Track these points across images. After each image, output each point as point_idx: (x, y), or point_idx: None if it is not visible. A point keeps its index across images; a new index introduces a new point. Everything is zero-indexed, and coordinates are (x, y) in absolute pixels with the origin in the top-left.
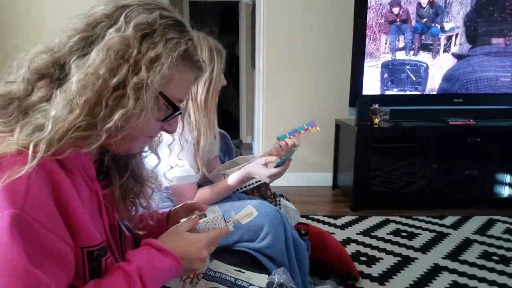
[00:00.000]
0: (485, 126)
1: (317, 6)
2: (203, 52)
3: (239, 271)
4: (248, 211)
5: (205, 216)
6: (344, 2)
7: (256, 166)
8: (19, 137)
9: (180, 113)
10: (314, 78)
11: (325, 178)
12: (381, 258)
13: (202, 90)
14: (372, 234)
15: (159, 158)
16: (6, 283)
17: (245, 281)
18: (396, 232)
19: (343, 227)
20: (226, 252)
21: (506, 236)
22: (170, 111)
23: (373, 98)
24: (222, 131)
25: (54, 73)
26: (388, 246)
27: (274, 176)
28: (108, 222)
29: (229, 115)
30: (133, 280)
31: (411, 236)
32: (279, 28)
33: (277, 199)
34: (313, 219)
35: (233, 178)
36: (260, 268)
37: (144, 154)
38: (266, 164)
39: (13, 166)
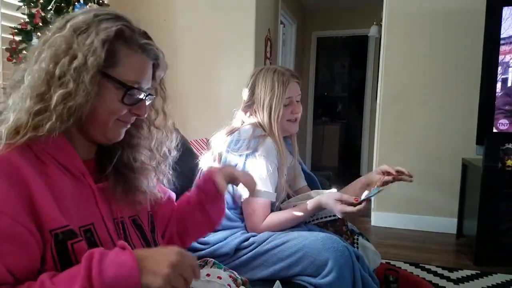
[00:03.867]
0: None
1: (439, 37)
2: (264, 81)
3: None
4: None
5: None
6: (470, 33)
7: (330, 199)
8: None
9: (141, 96)
10: (436, 112)
11: (448, 224)
12: None
13: (263, 114)
14: None
15: None
16: None
17: None
18: None
19: (458, 281)
20: (283, 283)
21: None
22: (122, 91)
23: (505, 136)
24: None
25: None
26: None
27: (347, 213)
28: (110, 215)
29: (350, 149)
30: (91, 275)
31: None
32: (397, 61)
33: (355, 237)
34: (423, 268)
35: (303, 206)
36: None
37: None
38: (340, 200)
39: None
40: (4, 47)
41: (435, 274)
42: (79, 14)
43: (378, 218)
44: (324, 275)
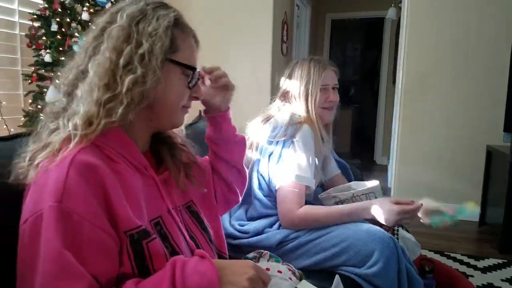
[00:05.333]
0: None
1: (466, 20)
2: (301, 69)
3: None
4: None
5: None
6: (501, 17)
7: (385, 202)
8: (65, 124)
9: (199, 75)
10: (461, 97)
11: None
12: None
13: (300, 100)
14: None
15: None
16: (42, 260)
17: None
18: None
19: (485, 270)
20: (327, 273)
21: None
22: (189, 75)
23: None
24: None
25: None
26: None
27: (406, 214)
28: (173, 206)
29: (363, 133)
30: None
31: None
32: (422, 44)
33: (395, 228)
34: (449, 257)
35: (350, 207)
36: None
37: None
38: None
39: (61, 157)
40: (23, 33)
41: (461, 262)
42: (129, 4)
43: None
44: (370, 266)
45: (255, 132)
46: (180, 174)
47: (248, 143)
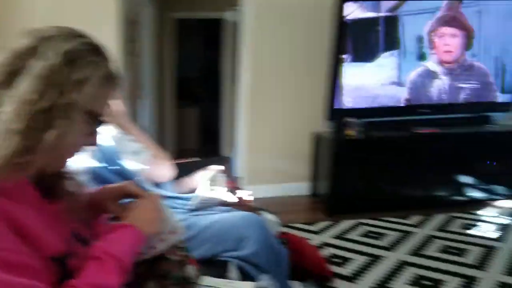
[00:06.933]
0: (449, 133)
1: (297, 23)
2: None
3: (228, 282)
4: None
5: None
6: (318, 26)
7: None
8: None
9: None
10: (292, 92)
11: (303, 188)
12: (353, 259)
13: None
14: (345, 237)
15: None
16: None
17: None
18: (366, 234)
19: (318, 232)
20: (212, 264)
21: (462, 231)
22: (95, 125)
23: (347, 112)
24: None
25: None
26: (359, 247)
27: None
28: (68, 231)
29: (209, 130)
30: (103, 258)
31: (380, 236)
32: (259, 44)
33: (259, 212)
34: (291, 227)
35: None
36: (246, 276)
37: None
38: None
39: None
40: None
41: (301, 230)
42: (57, 35)
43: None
44: (247, 248)
45: None
46: (69, 204)
47: None
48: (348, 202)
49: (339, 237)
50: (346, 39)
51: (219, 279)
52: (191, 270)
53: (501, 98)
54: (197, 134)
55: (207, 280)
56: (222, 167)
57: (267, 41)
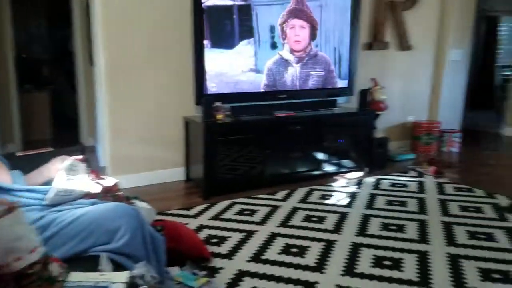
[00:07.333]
0: (303, 116)
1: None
2: None
3: (100, 275)
4: None
5: None
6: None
7: None
8: None
9: None
10: (160, 76)
11: (177, 173)
12: (230, 237)
13: None
14: (221, 217)
15: None
16: None
17: (106, 282)
18: (240, 212)
19: (196, 216)
20: (82, 260)
21: (321, 201)
22: None
23: (216, 97)
24: None
25: None
26: (235, 225)
27: None
28: None
29: (64, 116)
30: None
31: (252, 212)
32: (119, 24)
33: (131, 202)
34: (167, 214)
35: None
36: (121, 267)
37: None
38: None
39: None
40: None
41: (178, 215)
42: None
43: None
44: (119, 239)
45: None
46: None
47: None
48: (222, 184)
49: (215, 218)
50: (203, 25)
51: (90, 273)
52: (55, 268)
53: (339, 84)
54: (49, 122)
55: (76, 275)
56: (80, 156)
57: (125, 19)
